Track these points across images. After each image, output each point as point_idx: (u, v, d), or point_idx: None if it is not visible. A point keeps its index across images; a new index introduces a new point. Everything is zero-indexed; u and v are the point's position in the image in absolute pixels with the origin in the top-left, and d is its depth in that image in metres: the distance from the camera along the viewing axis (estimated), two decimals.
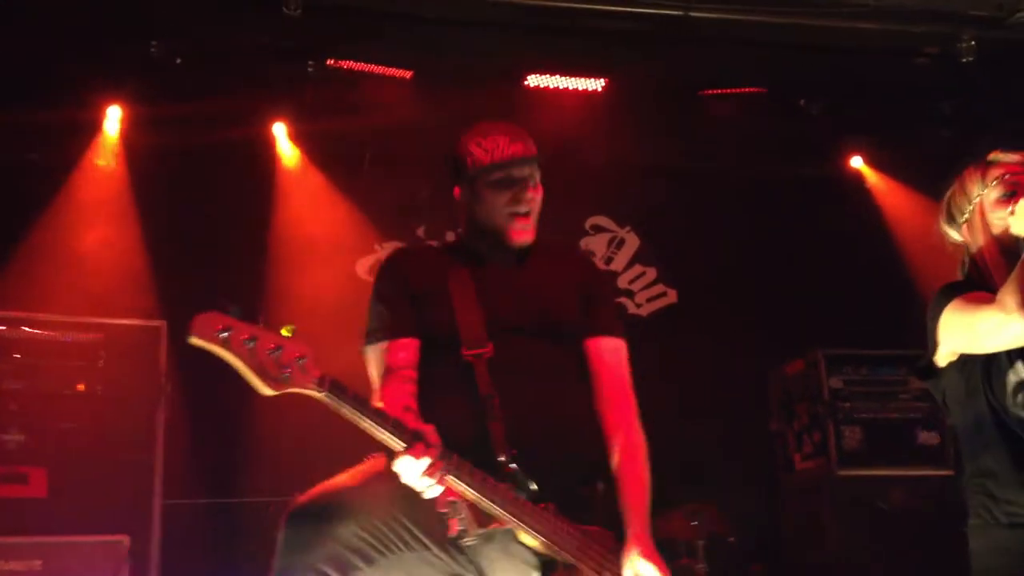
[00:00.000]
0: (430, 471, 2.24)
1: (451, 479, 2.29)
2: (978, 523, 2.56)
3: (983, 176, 2.67)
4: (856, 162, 6.29)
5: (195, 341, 2.11)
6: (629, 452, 2.63)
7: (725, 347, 5.92)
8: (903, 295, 5.86)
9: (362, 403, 2.26)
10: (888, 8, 4.94)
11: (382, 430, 2.25)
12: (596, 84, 5.73)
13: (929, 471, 5.41)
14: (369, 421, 2.25)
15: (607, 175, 6.05)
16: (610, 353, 2.76)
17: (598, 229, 6.27)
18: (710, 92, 5.79)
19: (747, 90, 5.73)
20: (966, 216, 2.70)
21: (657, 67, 5.52)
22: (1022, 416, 2.45)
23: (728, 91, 5.77)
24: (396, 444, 2.25)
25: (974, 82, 5.45)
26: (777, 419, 6.11)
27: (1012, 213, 2.54)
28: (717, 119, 5.83)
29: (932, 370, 2.65)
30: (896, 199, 6.23)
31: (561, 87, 5.71)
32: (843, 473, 5.51)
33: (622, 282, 6.22)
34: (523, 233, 2.73)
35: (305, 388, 2.22)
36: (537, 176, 2.75)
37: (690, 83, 5.76)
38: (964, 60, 5.12)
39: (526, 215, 2.72)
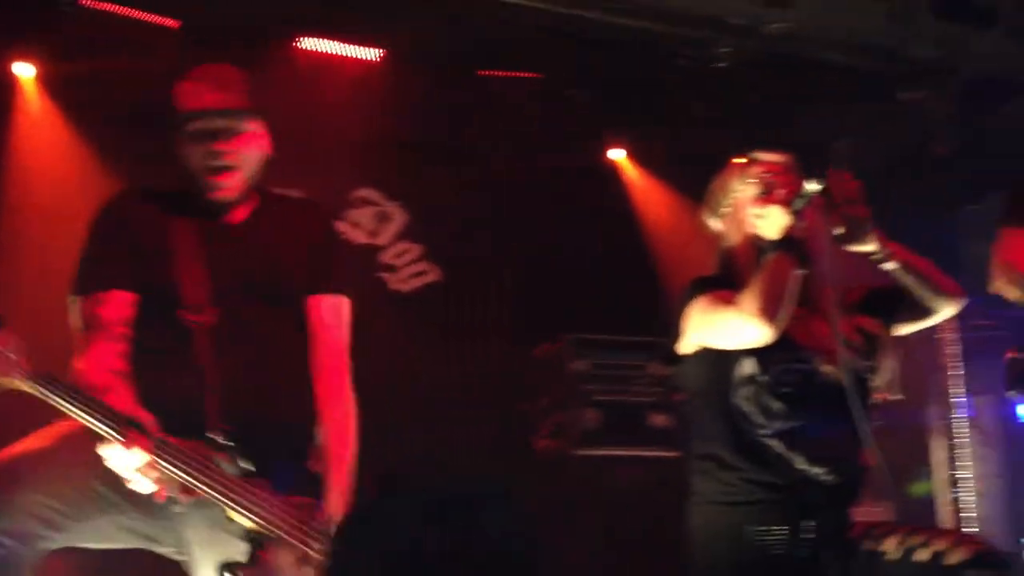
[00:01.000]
0: (143, 466, 2.16)
1: (164, 466, 2.20)
2: (698, 501, 2.71)
3: (744, 171, 2.77)
4: (617, 155, 6.49)
5: None
6: (336, 429, 2.58)
7: (483, 327, 6.03)
8: (650, 285, 6.15)
9: (74, 394, 2.14)
10: (654, 8, 5.14)
11: (95, 421, 2.13)
12: (374, 54, 5.68)
13: (659, 452, 5.66)
14: (82, 412, 2.13)
15: (378, 148, 6.00)
16: (330, 312, 2.68)
17: (365, 202, 6.20)
18: (488, 73, 5.85)
19: (524, 75, 5.83)
20: (725, 209, 2.81)
21: (437, 42, 5.53)
22: (743, 408, 2.61)
23: (506, 74, 5.84)
24: (111, 435, 2.14)
25: (729, 87, 5.75)
26: (526, 400, 6.27)
27: (760, 216, 2.65)
28: (493, 100, 5.89)
29: (675, 357, 2.77)
30: (651, 194, 6.49)
31: (337, 53, 5.62)
32: (580, 453, 5.71)
33: (386, 257, 6.18)
34: (223, 190, 2.59)
35: (12, 380, 2.09)
36: (242, 128, 2.59)
37: (469, 62, 5.80)
38: (721, 65, 5.41)
39: (223, 170, 2.57)
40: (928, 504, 7.73)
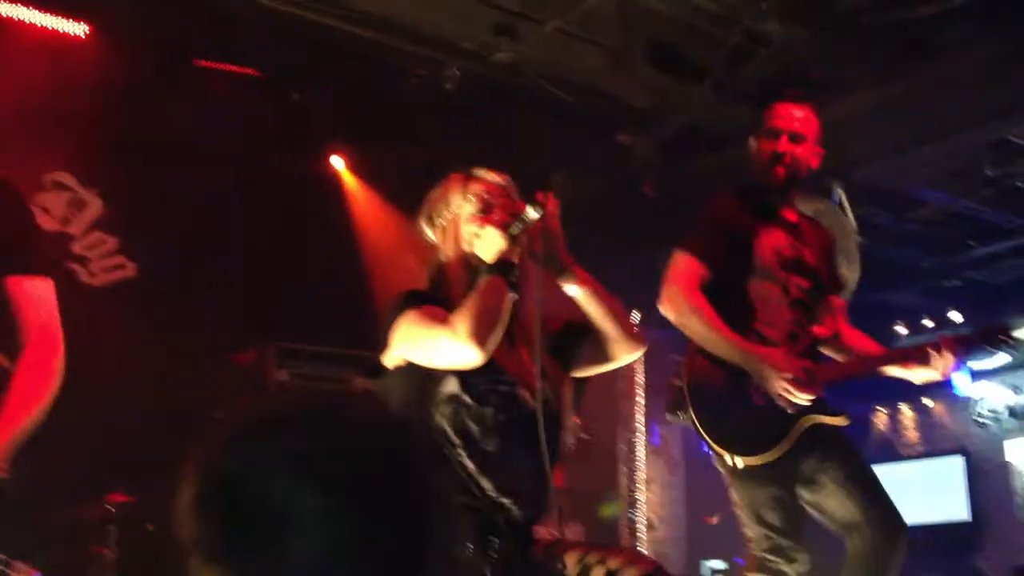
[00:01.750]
0: None
1: None
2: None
3: (465, 187, 2.72)
4: (337, 163, 6.37)
5: None
6: (21, 392, 2.51)
7: (180, 329, 5.71)
8: (359, 298, 6.06)
9: None
10: (386, 22, 5.09)
11: None
12: (79, 29, 5.27)
13: None
14: None
15: (78, 130, 5.56)
16: (32, 293, 2.59)
17: (59, 186, 5.74)
18: (207, 64, 5.56)
19: (243, 70, 5.57)
20: (441, 221, 2.74)
21: (151, 24, 5.21)
22: (442, 426, 2.57)
23: (224, 66, 5.57)
24: None
25: (456, 109, 5.78)
26: (221, 407, 6.02)
27: (477, 236, 2.63)
28: (209, 93, 5.59)
29: (380, 370, 2.68)
30: (368, 206, 6.42)
31: (38, 23, 5.17)
32: None
33: (78, 248, 5.76)
34: None
35: None
36: None
37: (186, 50, 5.49)
38: (448, 87, 5.43)
39: None
40: (615, 526, 8.13)
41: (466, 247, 2.69)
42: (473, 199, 2.70)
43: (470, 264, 2.67)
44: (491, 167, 2.80)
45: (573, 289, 2.70)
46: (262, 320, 5.94)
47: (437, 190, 2.79)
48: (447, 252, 2.72)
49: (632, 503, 7.92)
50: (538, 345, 2.63)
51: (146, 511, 5.47)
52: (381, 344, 2.63)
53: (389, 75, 5.59)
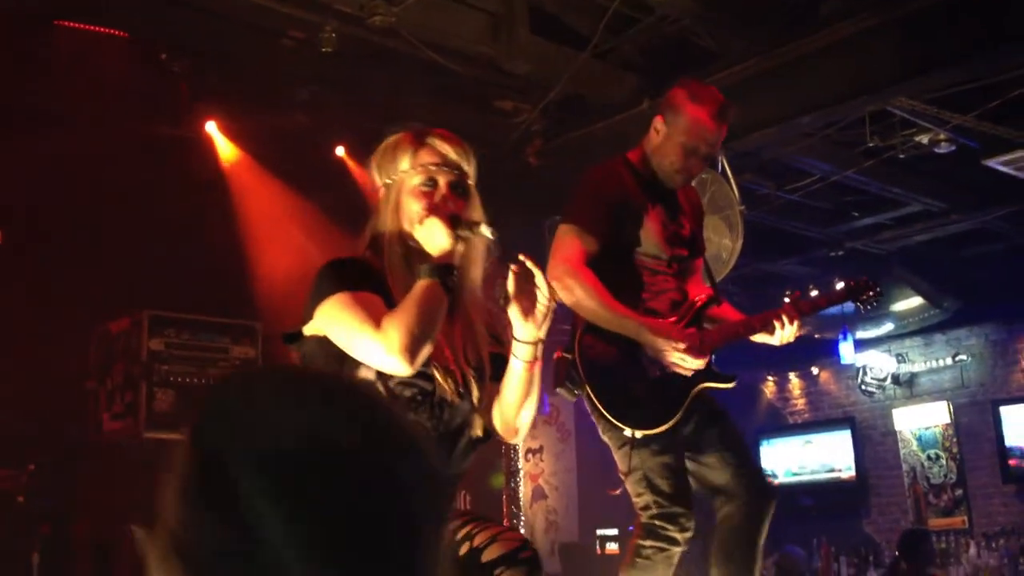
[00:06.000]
0: None
1: None
2: None
3: (415, 152, 2.49)
4: (211, 128, 6.20)
5: None
6: None
7: (49, 297, 5.54)
8: (237, 267, 5.95)
9: None
10: None
11: None
12: None
13: None
14: None
15: None
16: None
17: None
18: (68, 24, 5.34)
19: (107, 30, 5.36)
20: (386, 182, 2.53)
21: None
22: None
23: (86, 27, 5.35)
24: None
25: (332, 73, 5.66)
26: (93, 377, 5.88)
27: (421, 222, 2.43)
28: (70, 54, 5.38)
29: (295, 336, 2.49)
30: (244, 172, 6.27)
31: None
32: (149, 435, 5.44)
33: None
34: None
35: None
36: None
37: (46, 9, 5.28)
38: (324, 50, 5.31)
39: None
40: (500, 496, 8.17)
41: (406, 225, 2.48)
42: (420, 170, 2.47)
43: (407, 245, 2.48)
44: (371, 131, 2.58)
45: (519, 357, 2.47)
46: (135, 288, 5.80)
47: (389, 141, 2.56)
48: (385, 219, 2.51)
49: (513, 473, 7.95)
50: (472, 339, 2.55)
51: (17, 483, 5.37)
52: (305, 311, 2.43)
53: (264, 37, 5.43)
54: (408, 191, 2.47)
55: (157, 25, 5.33)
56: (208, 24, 5.30)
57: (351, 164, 6.14)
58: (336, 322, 2.36)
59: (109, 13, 5.18)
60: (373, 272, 2.45)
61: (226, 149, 6.19)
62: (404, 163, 2.49)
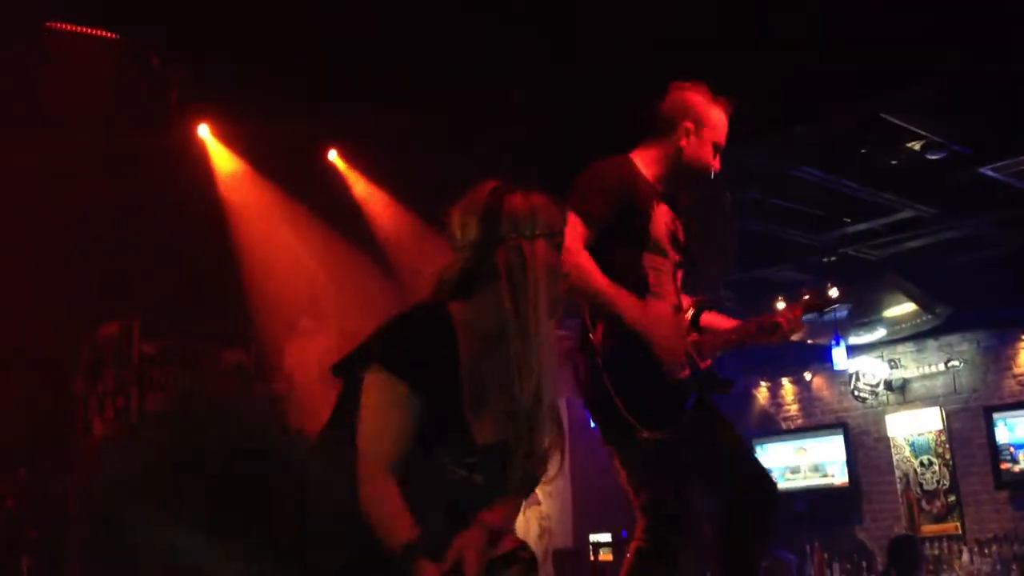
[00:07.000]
0: None
1: None
2: None
3: (550, 220, 2.42)
4: (203, 131, 6.18)
5: None
6: None
7: (43, 303, 5.53)
8: (231, 270, 5.94)
9: None
10: None
11: None
12: None
13: None
14: None
15: None
16: None
17: None
18: (59, 26, 5.32)
19: (98, 32, 5.35)
20: (501, 235, 2.37)
21: None
22: None
23: (80, 29, 5.34)
24: None
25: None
26: (83, 381, 5.87)
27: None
28: (64, 58, 5.36)
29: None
30: (235, 177, 6.24)
31: None
32: None
33: None
34: None
35: None
36: None
37: (36, 10, 5.25)
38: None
39: None
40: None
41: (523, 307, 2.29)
42: (554, 241, 2.38)
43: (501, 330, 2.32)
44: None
45: None
46: (126, 293, 5.78)
47: (522, 199, 2.35)
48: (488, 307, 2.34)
49: None
50: None
51: (7, 488, 5.34)
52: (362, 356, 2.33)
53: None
54: (535, 268, 2.35)
55: (149, 27, 5.32)
56: (199, 22, 5.27)
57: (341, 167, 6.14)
58: (359, 405, 2.30)
59: (102, 16, 5.19)
60: (430, 355, 2.32)
61: (218, 153, 6.18)
62: (542, 226, 2.37)
